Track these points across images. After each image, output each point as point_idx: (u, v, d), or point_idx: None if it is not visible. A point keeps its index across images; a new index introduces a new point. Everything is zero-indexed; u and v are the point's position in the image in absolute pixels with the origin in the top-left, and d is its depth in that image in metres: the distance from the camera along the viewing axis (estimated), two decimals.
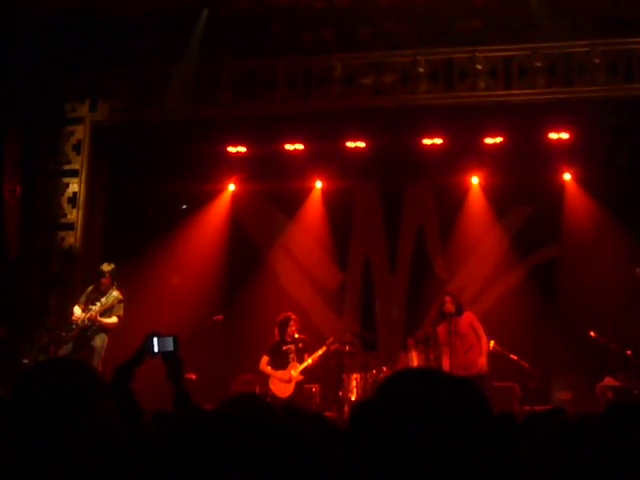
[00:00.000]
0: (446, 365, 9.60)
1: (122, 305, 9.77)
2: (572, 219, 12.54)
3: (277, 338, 10.48)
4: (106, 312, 9.64)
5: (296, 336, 10.47)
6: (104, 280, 9.80)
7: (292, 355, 10.41)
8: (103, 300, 9.67)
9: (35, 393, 2.30)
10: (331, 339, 10.79)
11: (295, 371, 10.30)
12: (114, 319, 9.70)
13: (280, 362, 10.41)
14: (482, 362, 9.67)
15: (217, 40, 10.73)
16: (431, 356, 10.58)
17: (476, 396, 1.51)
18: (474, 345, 9.73)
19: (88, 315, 9.58)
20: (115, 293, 9.74)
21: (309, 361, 10.39)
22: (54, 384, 2.32)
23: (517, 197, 12.78)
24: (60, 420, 2.24)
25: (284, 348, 10.43)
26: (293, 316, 10.56)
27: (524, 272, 12.86)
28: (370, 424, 1.40)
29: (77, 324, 9.61)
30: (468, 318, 9.95)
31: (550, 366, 11.53)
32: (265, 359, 10.46)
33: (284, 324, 10.46)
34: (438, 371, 1.57)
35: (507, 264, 12.97)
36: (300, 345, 10.48)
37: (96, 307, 9.60)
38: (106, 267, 9.92)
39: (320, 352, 10.50)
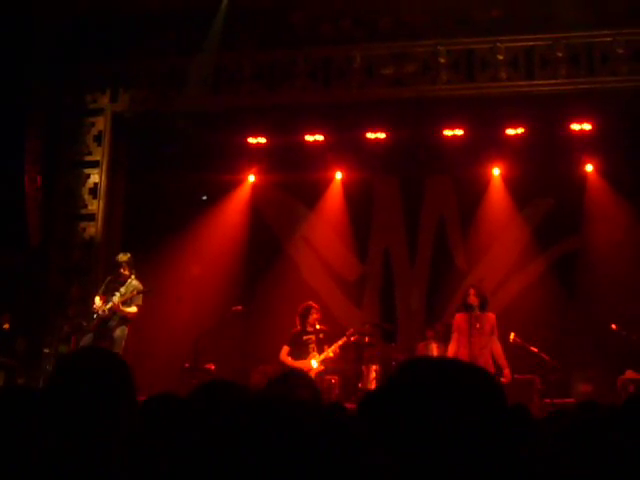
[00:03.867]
0: (463, 355, 9.47)
1: (141, 295, 9.79)
2: (594, 211, 12.43)
3: (298, 328, 10.43)
4: (126, 302, 9.66)
5: (317, 326, 10.41)
6: (122, 270, 9.81)
7: (312, 345, 10.36)
8: (122, 290, 9.66)
9: (72, 383, 2.29)
10: (351, 330, 10.73)
11: (315, 361, 10.27)
12: (134, 308, 9.72)
13: (300, 352, 10.35)
14: (508, 373, 9.43)
15: (237, 30, 10.74)
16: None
17: (494, 387, 1.48)
18: (488, 345, 9.55)
19: (110, 305, 9.60)
20: (134, 282, 9.73)
21: (330, 353, 10.33)
22: (91, 374, 2.31)
23: (538, 189, 12.67)
24: (96, 410, 2.23)
25: (304, 338, 10.37)
26: (315, 305, 10.49)
27: (545, 264, 12.76)
28: (379, 413, 1.38)
29: (98, 314, 9.65)
30: (492, 319, 9.72)
31: (571, 359, 11.43)
32: (285, 349, 10.41)
33: (305, 313, 10.38)
34: (453, 360, 1.54)
35: (528, 256, 12.88)
36: (321, 336, 10.43)
37: (116, 297, 9.61)
38: (122, 257, 9.91)
39: (340, 343, 10.43)
